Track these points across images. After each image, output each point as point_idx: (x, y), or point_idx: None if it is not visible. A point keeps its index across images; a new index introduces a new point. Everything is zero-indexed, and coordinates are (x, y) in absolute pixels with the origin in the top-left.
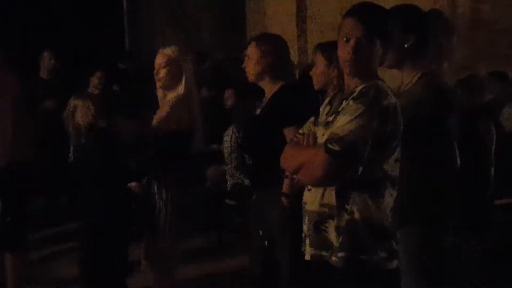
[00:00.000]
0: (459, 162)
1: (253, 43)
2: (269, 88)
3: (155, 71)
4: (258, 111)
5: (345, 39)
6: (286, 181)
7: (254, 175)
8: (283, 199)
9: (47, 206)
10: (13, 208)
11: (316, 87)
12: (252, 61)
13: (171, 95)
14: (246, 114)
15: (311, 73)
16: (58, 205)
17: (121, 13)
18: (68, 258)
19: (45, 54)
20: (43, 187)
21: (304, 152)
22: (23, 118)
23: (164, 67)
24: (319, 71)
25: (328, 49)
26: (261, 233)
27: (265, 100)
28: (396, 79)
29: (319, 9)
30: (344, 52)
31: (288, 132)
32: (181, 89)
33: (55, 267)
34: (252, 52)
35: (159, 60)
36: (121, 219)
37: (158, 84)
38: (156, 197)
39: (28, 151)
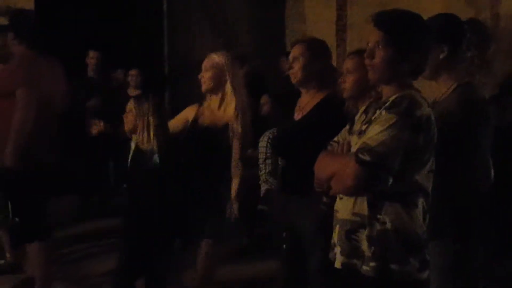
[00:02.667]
0: (493, 177)
1: (302, 45)
2: (312, 95)
3: (200, 75)
4: (298, 115)
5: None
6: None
7: (286, 179)
8: (322, 208)
9: (79, 204)
10: (22, 209)
11: (346, 94)
12: (299, 64)
13: (230, 106)
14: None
15: (341, 80)
16: (90, 204)
17: (161, 16)
18: (99, 255)
19: (91, 53)
20: (72, 186)
21: (336, 161)
22: (59, 118)
23: (208, 70)
24: (354, 79)
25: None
26: (284, 235)
27: (303, 106)
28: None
29: (358, 18)
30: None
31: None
32: (224, 94)
33: (86, 265)
34: (300, 54)
35: (205, 63)
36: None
37: (203, 87)
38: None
39: (53, 151)
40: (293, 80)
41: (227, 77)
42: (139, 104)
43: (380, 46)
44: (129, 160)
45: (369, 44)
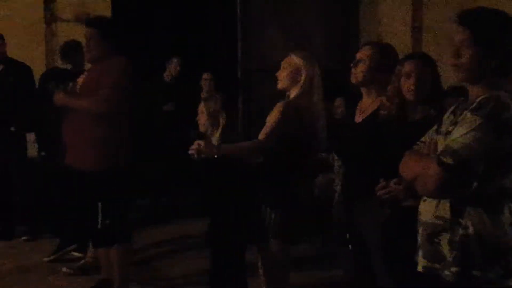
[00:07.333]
0: None
1: (372, 49)
2: (372, 98)
3: (277, 73)
4: (358, 118)
5: (452, 46)
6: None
7: (348, 183)
8: (385, 209)
9: (152, 206)
10: (112, 210)
11: (411, 98)
12: (363, 66)
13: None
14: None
15: (402, 84)
16: (162, 206)
17: (235, 20)
18: (173, 257)
19: (173, 59)
20: (150, 188)
21: (420, 162)
22: (137, 122)
23: (285, 69)
24: (416, 82)
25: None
26: (347, 237)
27: (364, 109)
28: None
29: (435, 19)
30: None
31: None
32: (295, 90)
33: (160, 267)
34: (367, 57)
35: (283, 62)
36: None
37: (278, 85)
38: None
39: (131, 154)
40: (353, 80)
41: (302, 78)
42: (208, 105)
43: (466, 45)
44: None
45: (455, 43)
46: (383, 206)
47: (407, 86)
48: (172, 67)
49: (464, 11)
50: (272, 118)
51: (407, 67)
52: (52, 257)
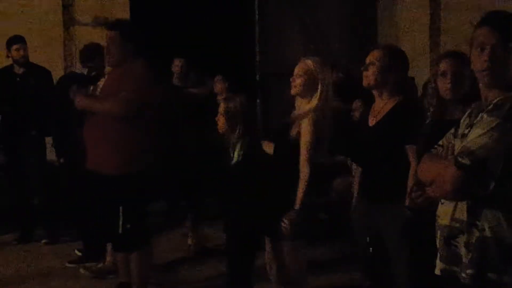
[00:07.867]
0: None
1: (381, 52)
2: (385, 101)
3: (291, 78)
4: (372, 121)
5: (479, 48)
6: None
7: (365, 186)
8: (406, 211)
9: (169, 210)
10: (134, 214)
11: (448, 97)
12: (374, 69)
13: (306, 106)
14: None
15: (438, 82)
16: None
17: (253, 23)
18: (191, 262)
19: (175, 61)
20: (165, 191)
21: (437, 165)
22: (154, 126)
23: (300, 76)
24: (452, 81)
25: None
26: (368, 240)
27: (377, 112)
28: None
29: (453, 22)
30: (479, 62)
31: (411, 148)
32: (315, 101)
33: (179, 270)
34: (377, 60)
35: (297, 68)
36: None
37: (292, 91)
38: None
39: (153, 157)
40: (365, 83)
41: (318, 83)
42: (228, 105)
43: (499, 49)
44: (233, 162)
45: (481, 45)
46: (406, 209)
47: (443, 85)
48: (177, 70)
49: (491, 13)
50: (304, 141)
51: (443, 65)
52: (76, 265)
